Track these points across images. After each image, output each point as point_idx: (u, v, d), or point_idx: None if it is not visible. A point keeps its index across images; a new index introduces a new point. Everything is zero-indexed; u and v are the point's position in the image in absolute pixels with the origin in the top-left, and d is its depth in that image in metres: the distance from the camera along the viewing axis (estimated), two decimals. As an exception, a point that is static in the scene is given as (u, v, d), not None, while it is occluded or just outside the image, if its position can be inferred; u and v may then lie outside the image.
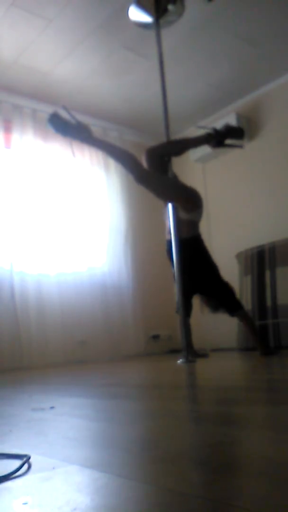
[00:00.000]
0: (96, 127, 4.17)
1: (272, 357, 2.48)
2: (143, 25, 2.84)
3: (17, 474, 0.59)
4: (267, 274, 3.32)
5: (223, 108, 4.19)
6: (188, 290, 2.65)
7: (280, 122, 3.78)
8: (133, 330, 3.97)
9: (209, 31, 3.08)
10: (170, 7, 2.69)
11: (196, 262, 2.66)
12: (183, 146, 2.79)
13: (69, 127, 2.45)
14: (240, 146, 3.01)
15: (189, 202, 2.62)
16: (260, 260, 3.41)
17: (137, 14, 2.76)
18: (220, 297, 2.67)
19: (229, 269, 3.96)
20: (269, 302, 3.24)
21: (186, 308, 2.69)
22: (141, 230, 4.36)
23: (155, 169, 2.62)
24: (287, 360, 2.19)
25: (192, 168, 4.49)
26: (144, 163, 2.62)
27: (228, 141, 2.76)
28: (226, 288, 2.66)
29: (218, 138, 2.70)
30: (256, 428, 0.75)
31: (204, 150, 4.12)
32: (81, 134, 2.47)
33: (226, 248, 4.08)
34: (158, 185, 2.59)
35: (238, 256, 3.73)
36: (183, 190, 2.64)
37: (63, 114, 2.43)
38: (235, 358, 2.77)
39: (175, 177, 2.71)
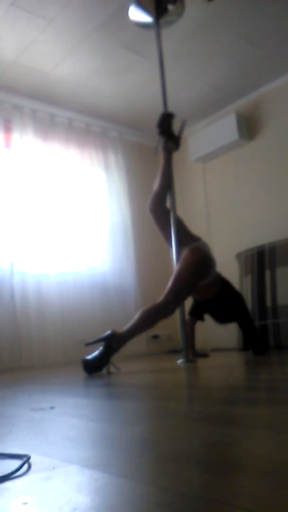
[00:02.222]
0: (96, 127, 4.18)
1: (263, 356, 2.49)
2: (143, 25, 2.84)
3: (17, 474, 0.59)
4: (267, 274, 3.32)
5: (223, 108, 4.19)
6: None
7: (280, 122, 3.78)
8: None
9: (209, 31, 3.08)
10: (170, 7, 2.69)
11: (232, 311, 2.63)
12: (164, 174, 2.57)
13: (170, 133, 2.52)
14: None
15: (203, 270, 2.46)
16: (260, 260, 3.41)
17: (137, 14, 2.76)
18: (245, 333, 2.65)
19: (229, 269, 3.97)
20: (269, 302, 3.24)
21: (197, 314, 2.73)
22: (141, 229, 4.36)
23: (164, 224, 2.58)
24: (287, 359, 2.19)
25: (192, 168, 4.49)
26: (155, 222, 2.59)
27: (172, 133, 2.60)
28: (252, 328, 2.63)
29: (166, 137, 2.56)
30: (256, 428, 0.75)
31: (204, 150, 4.12)
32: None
33: (226, 248, 4.08)
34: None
35: (238, 256, 3.73)
36: (194, 264, 2.43)
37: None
38: (235, 358, 2.77)
39: (179, 223, 2.61)
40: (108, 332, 2.24)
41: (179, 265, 2.43)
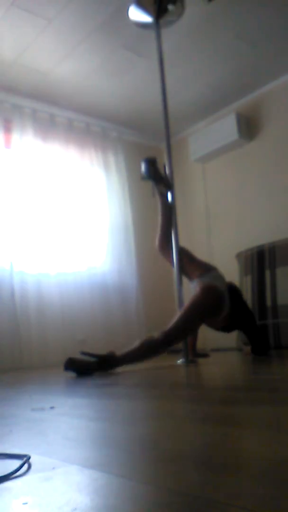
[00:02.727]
0: (96, 127, 4.18)
1: (264, 357, 2.49)
2: (143, 25, 2.84)
3: (17, 474, 0.59)
4: (267, 274, 3.32)
5: (223, 108, 4.19)
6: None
7: (280, 122, 3.78)
8: (133, 330, 3.97)
9: (209, 31, 3.08)
10: (170, 7, 2.69)
11: (239, 323, 2.60)
12: (164, 215, 2.62)
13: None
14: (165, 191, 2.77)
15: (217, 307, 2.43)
16: (260, 260, 3.41)
17: (137, 14, 2.76)
18: (251, 339, 2.62)
19: (229, 269, 3.97)
20: (269, 302, 3.24)
21: None
22: (141, 229, 4.36)
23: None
24: (287, 360, 2.19)
25: (192, 168, 4.50)
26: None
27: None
28: (258, 334, 2.61)
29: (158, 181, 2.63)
30: (256, 428, 0.75)
31: (204, 150, 4.13)
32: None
33: (226, 248, 4.09)
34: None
35: (238, 256, 3.73)
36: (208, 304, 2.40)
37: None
38: (235, 358, 2.77)
39: (188, 254, 2.61)
40: (107, 352, 2.21)
41: (190, 302, 2.35)
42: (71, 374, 2.20)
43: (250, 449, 0.62)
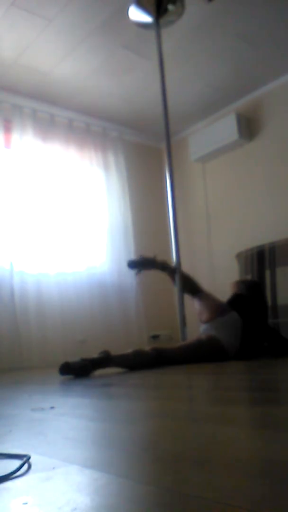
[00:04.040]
0: (96, 127, 4.18)
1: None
2: (143, 25, 2.84)
3: (17, 474, 0.59)
4: (267, 274, 3.32)
5: (223, 108, 4.19)
6: None
7: (280, 122, 3.78)
8: (133, 330, 3.97)
9: (209, 31, 3.08)
10: (170, 7, 2.69)
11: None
12: (180, 286, 2.73)
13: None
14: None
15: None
16: (260, 260, 3.41)
17: (137, 14, 2.76)
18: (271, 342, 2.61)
19: (229, 269, 3.97)
20: (269, 302, 3.24)
21: None
22: (141, 229, 4.36)
23: (205, 296, 2.67)
24: (287, 360, 2.19)
25: (192, 168, 4.50)
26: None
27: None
28: (278, 335, 2.61)
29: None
30: (256, 428, 0.75)
31: (204, 150, 4.13)
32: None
33: (226, 248, 4.09)
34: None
35: (238, 256, 3.73)
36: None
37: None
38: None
39: (208, 296, 2.65)
40: (102, 351, 2.26)
41: (194, 343, 2.45)
42: (68, 377, 2.20)
43: (250, 449, 0.62)
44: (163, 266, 2.78)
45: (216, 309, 2.52)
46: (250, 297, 2.58)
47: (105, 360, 2.22)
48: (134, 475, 0.55)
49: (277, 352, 2.56)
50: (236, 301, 2.56)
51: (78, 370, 2.14)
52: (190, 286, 2.72)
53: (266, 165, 3.86)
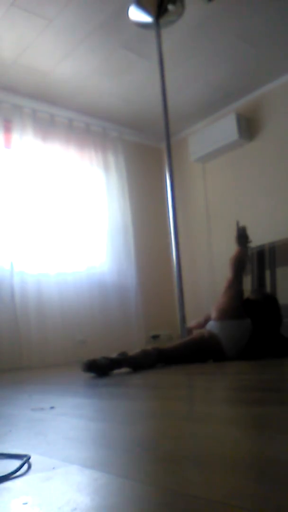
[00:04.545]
0: (96, 127, 4.18)
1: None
2: (143, 25, 2.84)
3: (17, 474, 0.59)
4: (267, 274, 3.32)
5: (223, 108, 4.19)
6: None
7: (280, 122, 3.78)
8: (133, 330, 3.97)
9: (209, 31, 3.08)
10: (170, 7, 2.69)
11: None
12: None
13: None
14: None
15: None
16: (260, 260, 3.41)
17: (137, 14, 2.76)
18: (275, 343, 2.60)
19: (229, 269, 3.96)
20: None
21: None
22: (141, 229, 4.36)
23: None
24: (287, 360, 2.19)
25: (192, 168, 4.50)
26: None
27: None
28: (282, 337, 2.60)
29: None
30: (256, 428, 0.75)
31: (204, 150, 4.13)
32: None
33: (226, 248, 4.08)
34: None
35: (238, 256, 3.72)
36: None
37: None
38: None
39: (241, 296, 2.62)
40: (121, 353, 2.29)
41: (195, 338, 2.47)
42: (90, 375, 2.18)
43: (250, 449, 0.62)
44: (246, 245, 2.78)
45: (228, 312, 2.49)
46: (264, 305, 2.57)
47: (123, 361, 2.24)
48: (134, 475, 0.55)
49: (281, 353, 2.56)
50: (251, 306, 2.55)
51: (103, 369, 2.15)
52: (239, 275, 2.64)
53: (266, 165, 3.86)
